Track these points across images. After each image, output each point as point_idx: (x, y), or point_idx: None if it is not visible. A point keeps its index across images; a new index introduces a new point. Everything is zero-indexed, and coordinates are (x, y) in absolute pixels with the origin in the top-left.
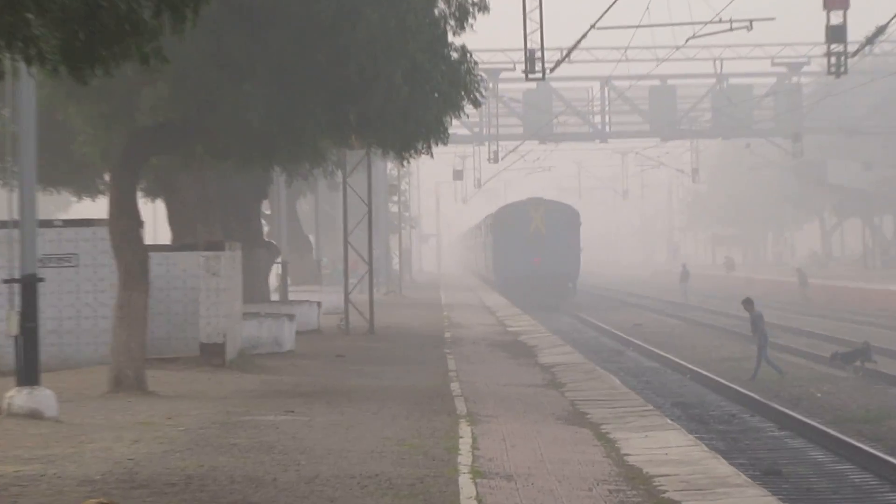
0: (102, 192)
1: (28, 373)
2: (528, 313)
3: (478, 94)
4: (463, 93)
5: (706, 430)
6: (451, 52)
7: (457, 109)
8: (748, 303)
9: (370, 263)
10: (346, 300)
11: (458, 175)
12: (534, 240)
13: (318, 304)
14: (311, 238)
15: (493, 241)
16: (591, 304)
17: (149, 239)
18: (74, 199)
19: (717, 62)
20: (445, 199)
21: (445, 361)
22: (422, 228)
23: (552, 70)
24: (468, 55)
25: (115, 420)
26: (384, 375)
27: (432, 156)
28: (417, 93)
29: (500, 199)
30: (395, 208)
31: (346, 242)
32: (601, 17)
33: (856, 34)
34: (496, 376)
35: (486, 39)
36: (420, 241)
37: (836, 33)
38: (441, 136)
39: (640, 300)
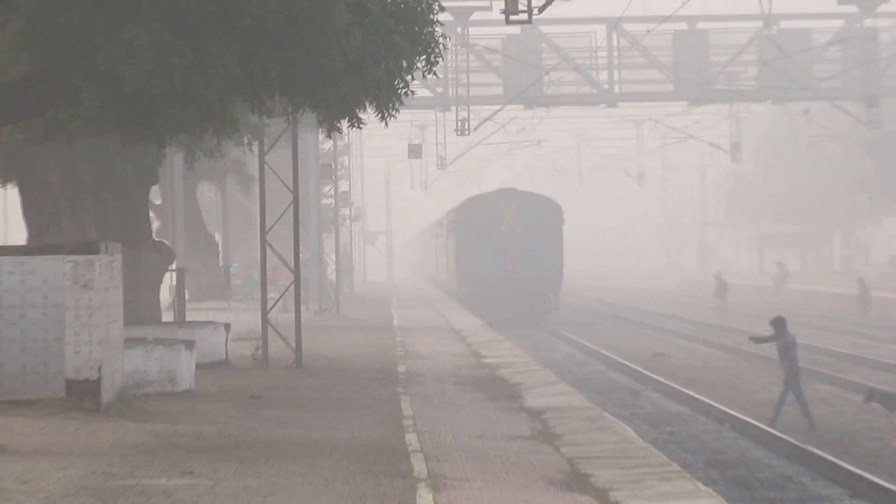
0: None
1: None
2: (509, 339)
3: (438, 48)
4: (424, 45)
5: (752, 498)
6: None
7: (421, 61)
8: (779, 323)
9: (296, 272)
10: (265, 321)
11: (415, 152)
12: (506, 240)
13: (227, 326)
14: (218, 237)
15: (455, 242)
16: (595, 326)
17: None
18: None
19: None
20: (399, 184)
21: (399, 405)
22: (367, 224)
23: (542, 10)
24: None
25: None
26: (316, 424)
27: (386, 124)
28: (364, 40)
29: (473, 185)
30: (330, 197)
31: (263, 243)
32: None
33: None
34: (467, 425)
35: None
36: (365, 240)
37: None
38: (395, 99)
39: (662, 320)
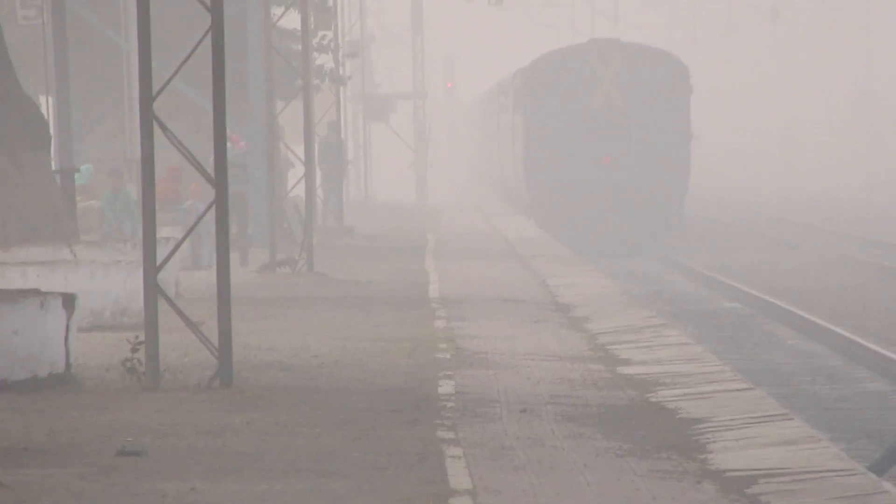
0: None
1: None
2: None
3: None
4: None
5: None
6: None
7: None
8: None
9: (219, 181)
10: (152, 288)
11: None
12: (601, 121)
13: (68, 300)
14: (47, 108)
15: (522, 123)
16: (826, 275)
17: None
18: None
19: None
20: None
21: (442, 465)
22: (374, 82)
23: None
24: None
25: None
26: None
27: None
28: None
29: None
30: (291, 18)
31: (147, 119)
32: None
33: None
34: None
35: None
36: (369, 116)
37: None
38: None
39: None
